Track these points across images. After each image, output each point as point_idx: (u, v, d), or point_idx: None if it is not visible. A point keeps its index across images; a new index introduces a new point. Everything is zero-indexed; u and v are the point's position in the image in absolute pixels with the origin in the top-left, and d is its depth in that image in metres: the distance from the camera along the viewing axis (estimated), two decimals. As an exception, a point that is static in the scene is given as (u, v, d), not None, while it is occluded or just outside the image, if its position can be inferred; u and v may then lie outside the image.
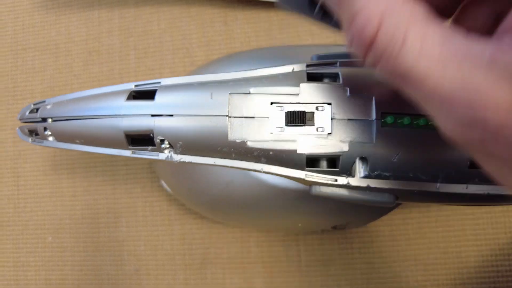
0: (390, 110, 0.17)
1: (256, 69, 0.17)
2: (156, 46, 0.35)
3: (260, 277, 0.32)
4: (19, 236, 0.35)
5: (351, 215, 0.22)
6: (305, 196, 0.21)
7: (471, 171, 0.18)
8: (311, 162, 0.17)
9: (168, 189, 0.30)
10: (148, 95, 0.18)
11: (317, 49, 0.24)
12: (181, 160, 0.17)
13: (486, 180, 0.19)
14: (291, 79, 0.17)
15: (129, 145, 0.18)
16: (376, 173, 0.17)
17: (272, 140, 0.16)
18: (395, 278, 0.31)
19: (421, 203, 0.26)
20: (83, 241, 0.35)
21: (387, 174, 0.17)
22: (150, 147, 0.18)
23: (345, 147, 0.17)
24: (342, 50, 0.19)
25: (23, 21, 0.37)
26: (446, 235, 0.31)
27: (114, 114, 0.18)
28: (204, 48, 0.34)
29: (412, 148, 0.17)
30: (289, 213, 0.22)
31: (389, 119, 0.16)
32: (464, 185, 0.19)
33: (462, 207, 0.31)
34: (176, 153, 0.17)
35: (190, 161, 0.17)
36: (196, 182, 0.25)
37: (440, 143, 0.17)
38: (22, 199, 0.36)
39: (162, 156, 0.18)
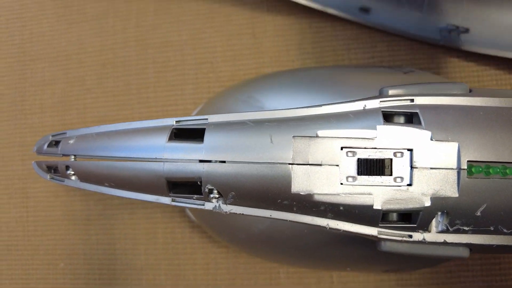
0: (478, 158, 0.14)
1: (321, 105, 0.15)
2: (177, 59, 0.32)
3: (291, 311, 0.30)
4: (28, 261, 0.33)
5: (408, 261, 0.20)
6: (359, 241, 0.19)
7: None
8: (383, 215, 0.15)
9: (193, 217, 0.28)
10: (193, 133, 0.16)
11: (371, 72, 0.21)
12: (232, 211, 0.15)
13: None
14: (364, 119, 0.15)
15: (170, 191, 0.16)
16: (455, 227, 0.15)
17: (343, 194, 0.14)
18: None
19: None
20: (98, 268, 0.32)
21: (466, 228, 0.15)
22: (195, 196, 0.15)
23: (427, 202, 0.14)
24: (413, 80, 0.16)
25: (31, 29, 0.35)
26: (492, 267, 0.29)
27: (154, 157, 0.15)
28: (230, 63, 0.31)
29: (499, 200, 0.15)
30: (339, 256, 0.20)
31: (476, 169, 0.14)
32: None
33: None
34: (226, 203, 0.15)
35: (242, 212, 0.15)
36: (233, 217, 0.23)
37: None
38: (32, 222, 0.33)
39: (209, 206, 0.15)
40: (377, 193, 0.14)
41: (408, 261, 0.20)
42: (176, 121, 0.16)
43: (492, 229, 0.15)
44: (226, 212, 0.15)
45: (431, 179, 0.14)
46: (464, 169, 0.14)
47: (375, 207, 0.14)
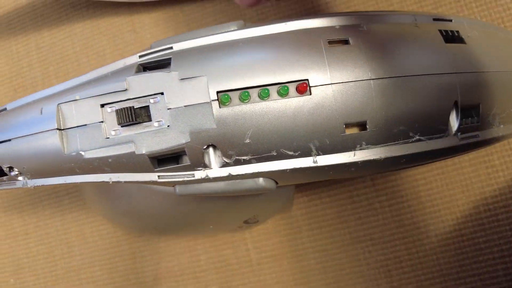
0: (227, 87, 0.15)
1: (85, 74, 0.16)
2: (75, 69, 0.34)
3: (215, 284, 0.31)
4: (-17, 282, 0.36)
5: (255, 208, 0.20)
6: (198, 198, 0.20)
7: (350, 136, 0.16)
8: (162, 161, 0.16)
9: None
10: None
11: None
12: (36, 184, 0.17)
13: (375, 141, 0.17)
14: (119, 75, 0.16)
15: None
16: (233, 159, 0.16)
17: (106, 146, 0.15)
18: (354, 262, 0.29)
19: (337, 178, 0.24)
20: (43, 277, 0.34)
21: (246, 158, 0.16)
22: (4, 177, 0.17)
23: (185, 138, 0.15)
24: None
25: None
26: (399, 207, 0.28)
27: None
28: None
29: (264, 123, 0.15)
30: (193, 216, 0.20)
31: (225, 97, 0.15)
32: (351, 153, 0.17)
33: (411, 173, 0.29)
34: (28, 178, 0.17)
35: (42, 184, 0.16)
36: (110, 200, 0.24)
37: (297, 111, 0.15)
38: (-19, 245, 0.36)
39: (18, 184, 0.17)
40: (139, 139, 0.15)
41: (256, 207, 0.21)
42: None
43: (275, 153, 0.16)
44: (32, 186, 0.17)
45: (187, 116, 0.15)
46: (215, 100, 0.15)
47: (137, 152, 0.15)
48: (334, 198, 0.29)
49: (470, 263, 0.28)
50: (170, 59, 0.16)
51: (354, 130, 0.17)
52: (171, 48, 0.16)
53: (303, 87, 0.15)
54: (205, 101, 0.15)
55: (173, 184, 0.16)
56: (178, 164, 0.16)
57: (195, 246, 0.31)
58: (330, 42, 0.17)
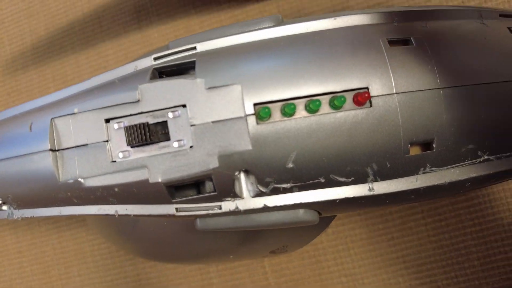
0: (267, 99, 0.12)
1: (87, 80, 0.13)
2: (75, 72, 0.31)
3: (229, 311, 0.28)
4: (-27, 304, 0.32)
5: (284, 237, 0.17)
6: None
7: (414, 157, 0.13)
8: (180, 188, 0.13)
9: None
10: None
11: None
12: (24, 216, 0.13)
13: (441, 163, 0.14)
14: (130, 82, 0.13)
15: None
16: (271, 187, 0.12)
17: (112, 173, 0.12)
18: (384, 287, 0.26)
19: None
20: (38, 299, 0.31)
21: (286, 186, 0.12)
22: None
23: (213, 162, 0.12)
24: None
25: None
26: (436, 226, 0.26)
27: None
28: (122, 63, 0.30)
29: (313, 143, 0.12)
30: (209, 246, 0.17)
31: (265, 111, 0.12)
32: (413, 177, 0.14)
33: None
34: (15, 208, 0.14)
35: (32, 215, 0.13)
36: (113, 221, 0.21)
37: (354, 128, 0.12)
38: (-30, 264, 0.33)
39: (2, 214, 0.14)
40: (154, 164, 0.12)
41: (285, 237, 0.18)
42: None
43: (323, 180, 0.13)
44: (18, 218, 0.14)
45: (215, 135, 0.12)
46: (251, 114, 0.12)
47: (151, 180, 0.12)
48: (363, 216, 0.26)
49: (516, 289, 0.25)
50: (193, 62, 0.13)
51: (417, 151, 0.14)
52: (195, 48, 0.13)
53: (363, 98, 0.12)
54: (239, 116, 0.12)
55: (194, 217, 0.13)
56: (199, 192, 0.13)
57: (207, 268, 0.28)
58: (390, 42, 0.14)
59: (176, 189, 0.13)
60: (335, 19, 0.14)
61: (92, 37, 0.31)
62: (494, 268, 0.25)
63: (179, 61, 0.13)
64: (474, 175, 0.15)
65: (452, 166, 0.14)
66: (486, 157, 0.15)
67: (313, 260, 0.26)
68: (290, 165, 0.12)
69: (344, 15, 0.14)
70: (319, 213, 0.14)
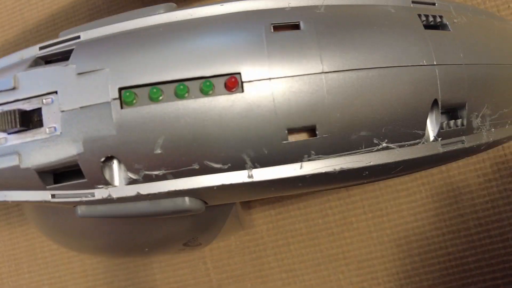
0: (132, 82, 0.12)
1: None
2: None
3: (173, 307, 0.27)
4: None
5: (189, 228, 0.17)
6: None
7: (295, 144, 0.13)
8: (62, 177, 0.13)
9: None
10: None
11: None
12: None
13: (328, 150, 0.13)
14: (12, 71, 0.13)
15: None
16: (142, 174, 0.12)
17: (-16, 159, 0.12)
18: (325, 284, 0.25)
19: (288, 193, 0.21)
20: (-11, 297, 0.31)
21: (158, 173, 0.12)
22: None
23: (77, 148, 0.12)
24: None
25: None
26: (377, 221, 0.25)
27: None
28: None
29: (180, 128, 0.12)
30: (121, 237, 0.17)
31: (129, 96, 0.12)
32: (297, 164, 0.13)
33: (391, 183, 0.25)
34: None
35: None
36: (44, 214, 0.21)
37: (225, 113, 0.12)
38: None
39: None
40: (26, 150, 0.12)
41: (191, 228, 0.18)
42: None
43: (197, 167, 0.12)
44: None
45: (82, 120, 0.12)
46: (116, 98, 0.12)
47: (22, 166, 0.12)
48: (304, 211, 0.26)
49: (457, 286, 0.24)
50: (72, 50, 0.13)
51: (301, 137, 0.14)
52: (78, 37, 0.13)
53: (231, 83, 0.12)
54: (105, 101, 0.12)
55: (73, 204, 0.13)
56: (66, 181, 0.13)
57: (151, 264, 0.28)
58: (276, 27, 0.13)
59: (57, 177, 0.13)
60: (222, 5, 0.13)
61: (45, 35, 0.31)
62: (435, 263, 0.25)
63: (62, 49, 0.13)
64: (371, 163, 0.14)
65: (342, 153, 0.14)
66: (384, 144, 0.14)
67: (253, 255, 0.26)
68: (158, 150, 0.12)
69: (231, 2, 0.14)
70: (205, 202, 0.14)
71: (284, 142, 0.13)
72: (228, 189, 0.13)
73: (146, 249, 0.18)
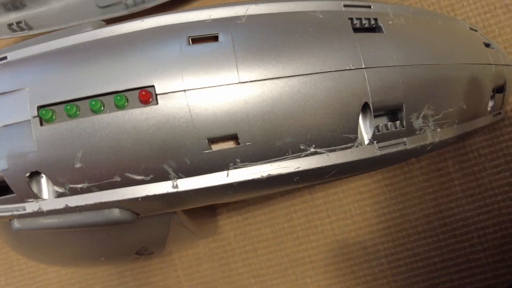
0: (50, 101, 0.12)
1: None
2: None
3: (146, 315, 0.28)
4: None
5: (134, 238, 0.17)
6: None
7: (218, 153, 0.13)
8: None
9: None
10: None
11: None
12: None
13: (253, 157, 0.14)
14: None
15: None
16: (67, 187, 0.13)
17: None
18: (293, 288, 0.25)
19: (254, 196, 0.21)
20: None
21: (82, 186, 0.13)
22: None
23: (2, 165, 0.12)
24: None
25: None
26: (342, 224, 0.25)
27: None
28: None
29: (97, 142, 0.12)
30: (73, 247, 0.18)
31: (47, 113, 0.12)
32: (223, 173, 0.14)
33: (354, 185, 0.25)
34: None
35: None
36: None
37: (140, 126, 0.12)
38: None
39: None
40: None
41: (137, 237, 0.18)
42: None
43: (119, 179, 0.13)
44: None
45: (5, 138, 0.12)
46: (36, 116, 0.12)
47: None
48: (269, 216, 0.26)
49: (425, 286, 0.24)
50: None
51: (226, 145, 0.14)
52: (5, 58, 0.14)
53: (143, 96, 0.12)
54: (25, 119, 0.12)
55: (7, 218, 0.13)
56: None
57: (124, 272, 0.28)
58: (195, 40, 0.14)
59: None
60: (142, 21, 0.14)
61: None
62: (401, 265, 0.24)
63: None
64: (300, 168, 0.15)
65: (269, 160, 0.14)
66: (313, 150, 0.15)
67: (222, 262, 0.26)
68: (79, 164, 0.12)
69: (153, 17, 0.14)
70: (137, 213, 0.14)
71: (206, 151, 0.13)
72: (155, 199, 0.13)
73: (102, 258, 0.18)
